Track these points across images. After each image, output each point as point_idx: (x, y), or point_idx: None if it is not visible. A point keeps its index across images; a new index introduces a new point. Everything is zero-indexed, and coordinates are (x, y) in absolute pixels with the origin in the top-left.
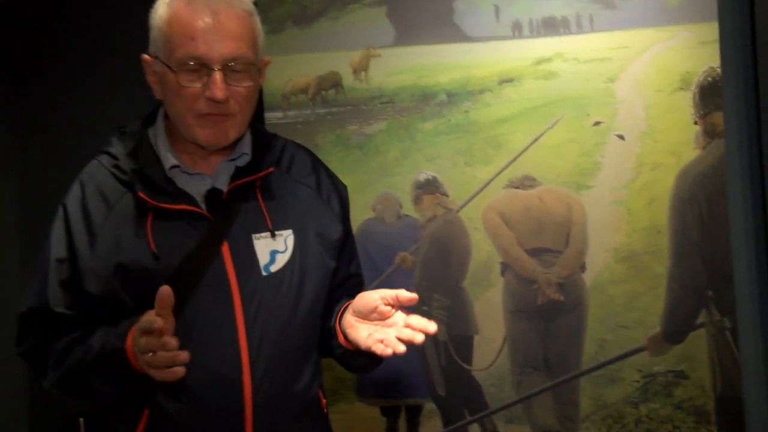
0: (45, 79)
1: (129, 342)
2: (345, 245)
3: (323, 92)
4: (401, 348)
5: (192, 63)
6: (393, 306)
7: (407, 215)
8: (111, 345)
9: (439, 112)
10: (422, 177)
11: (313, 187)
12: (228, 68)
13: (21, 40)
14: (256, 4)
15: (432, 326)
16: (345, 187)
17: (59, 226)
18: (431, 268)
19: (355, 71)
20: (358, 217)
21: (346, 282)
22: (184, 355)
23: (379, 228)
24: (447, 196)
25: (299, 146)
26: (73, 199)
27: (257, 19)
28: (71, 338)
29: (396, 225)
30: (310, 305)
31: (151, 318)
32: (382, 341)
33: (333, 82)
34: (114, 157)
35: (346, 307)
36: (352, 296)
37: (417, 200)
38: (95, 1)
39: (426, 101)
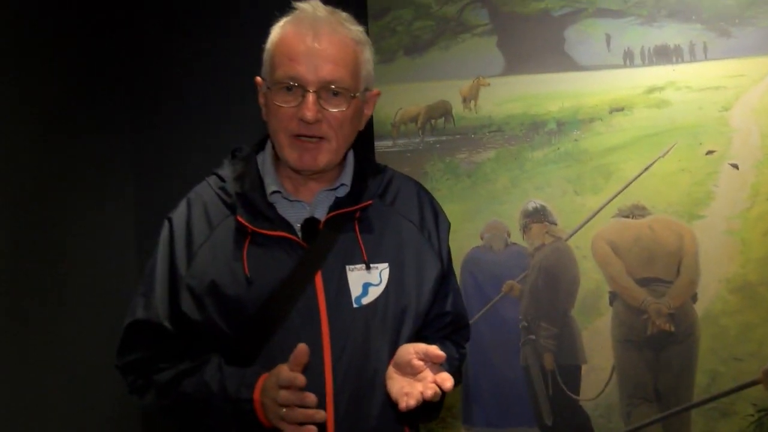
0: (163, 100)
1: (257, 393)
2: (442, 283)
3: (433, 121)
4: (412, 401)
5: (288, 83)
6: (424, 361)
7: (515, 243)
8: (236, 392)
9: (549, 141)
10: (531, 205)
11: (415, 222)
12: (323, 91)
13: (141, 60)
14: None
15: (448, 382)
16: (449, 224)
17: (164, 241)
18: (539, 297)
19: (465, 100)
20: (466, 244)
21: (438, 320)
22: (321, 415)
23: (487, 256)
24: (555, 224)
25: (408, 179)
26: (179, 215)
27: (365, 49)
28: (179, 370)
29: (504, 253)
30: (400, 341)
31: (291, 374)
32: (407, 394)
33: (443, 111)
34: (222, 179)
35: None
36: (445, 335)
37: (525, 229)
38: (216, 25)
39: (536, 130)
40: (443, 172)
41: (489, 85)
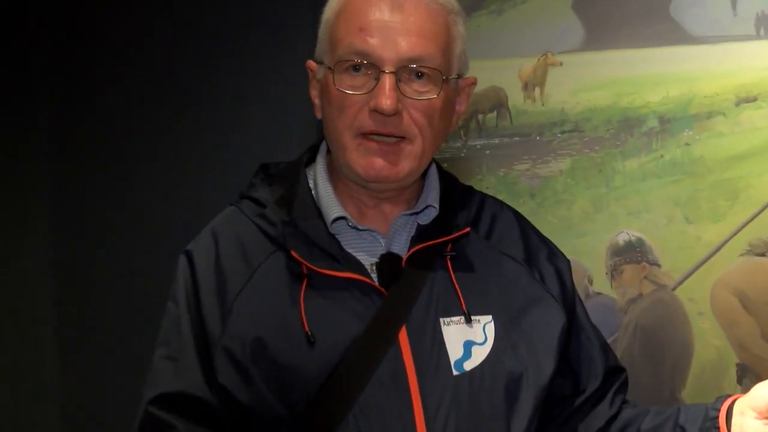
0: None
1: None
2: (574, 335)
3: (481, 117)
4: None
5: (356, 60)
6: None
7: (599, 293)
8: None
9: (648, 146)
10: (622, 239)
11: (521, 260)
12: (405, 72)
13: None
14: None
15: None
16: (567, 261)
17: (185, 286)
18: (635, 370)
19: (527, 87)
20: None
21: (607, 383)
22: None
23: None
24: (658, 266)
25: (503, 205)
26: (203, 251)
27: (459, 21)
28: None
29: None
30: (524, 420)
31: None
32: None
33: (494, 102)
34: (260, 203)
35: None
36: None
37: (615, 272)
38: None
39: (628, 129)
40: (495, 189)
41: (561, 64)
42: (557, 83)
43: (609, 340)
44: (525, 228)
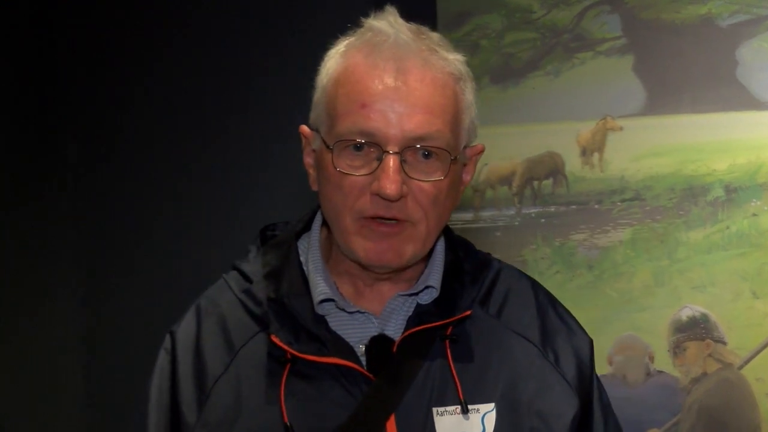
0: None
1: None
2: (586, 427)
3: (536, 183)
4: None
5: (359, 140)
6: None
7: (661, 371)
8: None
9: (714, 216)
10: (686, 314)
11: (535, 340)
12: (410, 153)
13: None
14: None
15: None
16: (589, 339)
17: (162, 369)
18: None
19: (585, 152)
20: None
21: None
22: None
23: (617, 390)
24: (724, 343)
25: (521, 276)
26: (185, 332)
27: (467, 89)
28: None
29: (644, 386)
30: None
31: None
32: None
33: (550, 168)
34: (247, 277)
35: None
36: None
37: (677, 349)
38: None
39: (692, 199)
40: (551, 260)
41: (621, 129)
42: (617, 149)
43: (671, 422)
44: (543, 303)
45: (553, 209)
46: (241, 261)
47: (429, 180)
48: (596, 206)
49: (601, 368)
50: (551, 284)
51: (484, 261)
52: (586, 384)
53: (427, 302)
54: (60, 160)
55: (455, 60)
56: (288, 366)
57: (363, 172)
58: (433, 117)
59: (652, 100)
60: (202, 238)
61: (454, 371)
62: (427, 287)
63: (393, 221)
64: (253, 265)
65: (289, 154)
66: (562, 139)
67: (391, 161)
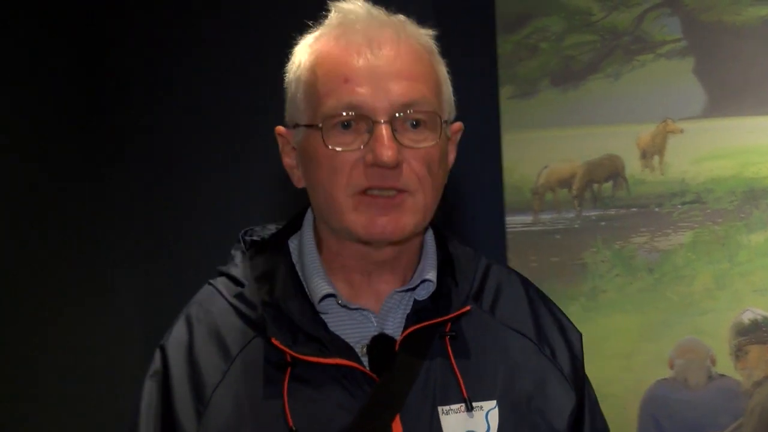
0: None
1: None
2: (580, 422)
3: (596, 186)
4: None
5: (346, 114)
6: None
7: (723, 375)
8: None
9: None
10: (747, 317)
11: (530, 335)
12: (399, 122)
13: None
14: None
15: None
16: (579, 334)
17: (154, 387)
18: None
19: (645, 155)
20: (648, 375)
21: None
22: None
23: (679, 394)
24: None
25: (509, 272)
26: (176, 344)
27: (440, 61)
28: None
29: (705, 389)
30: None
31: None
32: None
33: (610, 171)
34: (236, 281)
35: None
36: None
37: (739, 352)
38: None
39: (754, 201)
40: (611, 264)
41: (682, 132)
42: (677, 151)
43: (733, 426)
44: (533, 298)
45: (613, 212)
46: (227, 266)
47: (422, 146)
48: (657, 209)
49: (663, 371)
50: (611, 287)
51: (472, 256)
52: (580, 378)
53: (424, 298)
54: (119, 157)
55: (425, 34)
56: (288, 370)
57: (354, 146)
58: (418, 83)
59: (712, 103)
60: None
61: (456, 369)
62: (423, 281)
63: (390, 192)
64: (242, 269)
65: None
66: (622, 142)
67: (384, 129)
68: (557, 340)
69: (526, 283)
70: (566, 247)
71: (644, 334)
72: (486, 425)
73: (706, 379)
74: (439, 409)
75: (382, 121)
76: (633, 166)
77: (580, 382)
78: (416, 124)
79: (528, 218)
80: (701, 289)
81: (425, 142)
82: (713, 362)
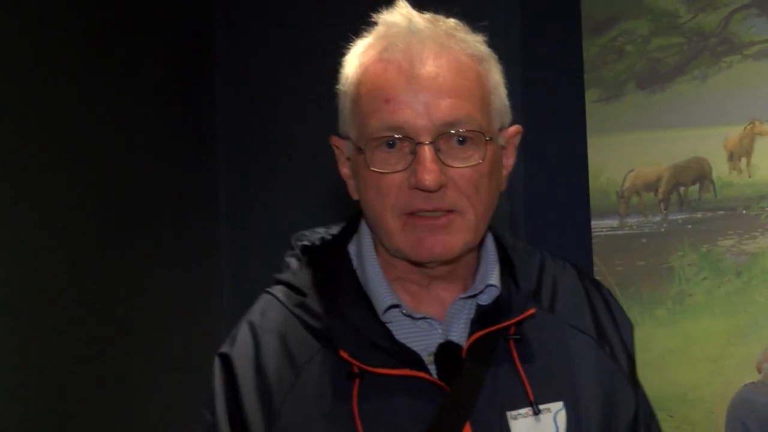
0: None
1: None
2: (638, 420)
3: (682, 189)
4: None
5: (389, 135)
6: None
7: None
8: None
9: None
10: None
11: (591, 332)
12: (444, 140)
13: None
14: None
15: None
16: (631, 326)
17: (221, 395)
18: None
19: (733, 157)
20: (736, 379)
21: None
22: None
23: (767, 397)
24: None
25: (564, 263)
26: (241, 352)
27: (492, 68)
28: None
29: None
30: None
31: None
32: None
33: (697, 173)
34: (298, 290)
35: None
36: None
37: None
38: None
39: None
40: (698, 267)
41: None
42: (765, 153)
43: None
44: (590, 291)
45: (700, 215)
46: (285, 274)
47: (467, 165)
48: (744, 211)
49: (751, 375)
50: (699, 291)
51: (528, 252)
52: (634, 373)
53: (487, 302)
54: (213, 161)
55: (474, 41)
56: (357, 381)
57: (399, 168)
58: (460, 100)
59: None
60: None
61: (522, 372)
62: (488, 286)
63: (438, 213)
64: (301, 277)
65: None
66: (709, 144)
67: (426, 151)
68: (614, 335)
69: (581, 273)
70: (653, 251)
71: (732, 337)
72: (554, 427)
73: None
74: (508, 414)
75: (425, 142)
76: (720, 169)
77: (635, 378)
78: (462, 141)
79: (614, 222)
80: None
81: (471, 159)
82: None
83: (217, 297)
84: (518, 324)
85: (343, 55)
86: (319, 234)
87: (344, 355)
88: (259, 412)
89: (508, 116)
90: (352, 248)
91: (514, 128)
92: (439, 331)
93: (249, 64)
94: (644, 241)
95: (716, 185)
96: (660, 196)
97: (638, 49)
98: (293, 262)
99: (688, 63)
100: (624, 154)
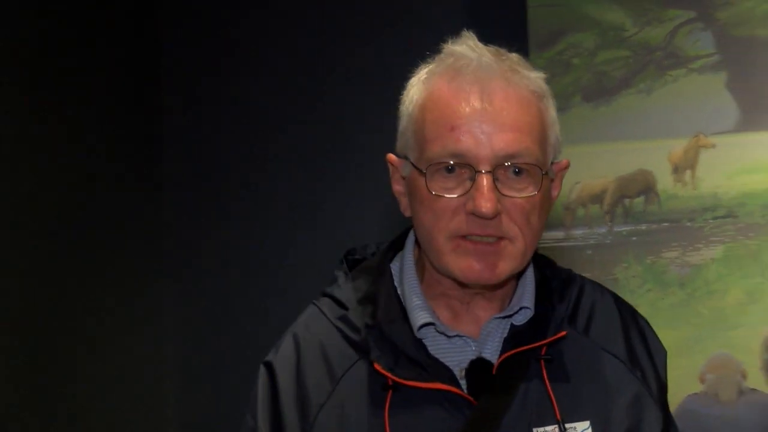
0: None
1: None
2: None
3: (627, 201)
4: None
5: (450, 162)
6: None
7: (755, 390)
8: None
9: None
10: None
11: (621, 356)
12: (501, 171)
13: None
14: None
15: None
16: (664, 352)
17: (264, 401)
18: None
19: (677, 170)
20: (679, 389)
21: None
22: None
23: (710, 408)
24: None
25: (603, 290)
26: (284, 361)
27: (550, 105)
28: None
29: (737, 405)
30: None
31: None
32: None
33: (642, 186)
34: (342, 304)
35: None
36: None
37: None
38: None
39: None
40: (642, 279)
41: (714, 146)
42: (709, 166)
43: None
44: (626, 318)
45: (644, 227)
46: (331, 287)
47: (522, 196)
48: (688, 224)
49: (694, 386)
50: (643, 302)
51: (567, 278)
52: (665, 398)
53: (521, 323)
54: (156, 162)
55: (537, 78)
56: (390, 393)
57: (457, 193)
58: (522, 135)
59: (745, 117)
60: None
61: (550, 391)
62: (521, 308)
63: (490, 239)
64: (345, 291)
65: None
66: (654, 157)
67: (485, 180)
68: (646, 360)
69: (619, 302)
70: (598, 263)
71: (676, 349)
72: None
73: (737, 393)
74: (534, 430)
75: (484, 171)
76: (665, 181)
77: (664, 402)
78: (519, 172)
79: (560, 234)
80: (733, 304)
81: (526, 191)
82: (744, 377)
83: (158, 316)
84: (551, 345)
85: (287, 71)
86: (370, 250)
87: (378, 367)
88: (297, 420)
89: (559, 150)
90: (395, 266)
91: (565, 162)
92: (473, 348)
93: (197, 83)
94: (589, 252)
95: (661, 197)
96: (605, 208)
97: (585, 62)
98: (341, 276)
99: (634, 76)
100: (570, 167)
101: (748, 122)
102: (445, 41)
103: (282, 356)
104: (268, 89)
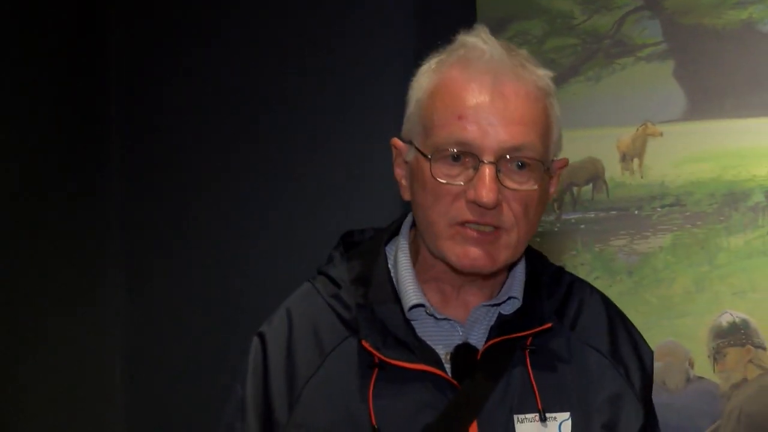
0: None
1: None
2: None
3: (575, 189)
4: None
5: (455, 150)
6: None
7: (701, 377)
8: None
9: (755, 221)
10: (725, 320)
11: (606, 353)
12: (505, 162)
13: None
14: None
15: None
16: (651, 353)
17: (255, 369)
18: None
19: (625, 158)
20: None
21: None
22: None
23: (658, 397)
24: (765, 349)
25: (592, 289)
26: (275, 332)
27: (555, 103)
28: None
29: (684, 392)
30: None
31: None
32: None
33: (591, 173)
34: (336, 283)
35: None
36: None
37: (717, 355)
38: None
39: (733, 204)
40: (591, 266)
41: (662, 135)
42: (657, 154)
43: (711, 428)
44: (612, 316)
45: (592, 215)
46: (326, 266)
47: (523, 189)
48: (636, 212)
49: None
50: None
51: (558, 274)
52: (648, 396)
53: (509, 312)
54: (105, 159)
55: (545, 75)
56: (376, 371)
57: (459, 180)
58: (527, 129)
59: (692, 106)
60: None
61: (533, 380)
62: (509, 298)
63: (488, 228)
64: (339, 270)
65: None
66: (603, 145)
67: (488, 170)
68: (631, 359)
69: (606, 300)
70: (546, 251)
71: None
72: None
73: (684, 381)
74: (515, 417)
75: (488, 161)
76: (613, 169)
77: (648, 400)
78: (521, 165)
79: None
80: (680, 292)
81: (527, 185)
82: (691, 365)
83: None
84: (536, 336)
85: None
86: (368, 234)
87: (366, 345)
88: (285, 390)
89: (560, 148)
90: (390, 249)
91: (564, 160)
92: (460, 333)
93: (145, 73)
94: (537, 240)
95: (609, 186)
96: (554, 196)
97: (533, 50)
98: (337, 256)
99: (582, 64)
100: None
101: (695, 111)
102: (391, 26)
103: (274, 328)
104: (221, 69)
